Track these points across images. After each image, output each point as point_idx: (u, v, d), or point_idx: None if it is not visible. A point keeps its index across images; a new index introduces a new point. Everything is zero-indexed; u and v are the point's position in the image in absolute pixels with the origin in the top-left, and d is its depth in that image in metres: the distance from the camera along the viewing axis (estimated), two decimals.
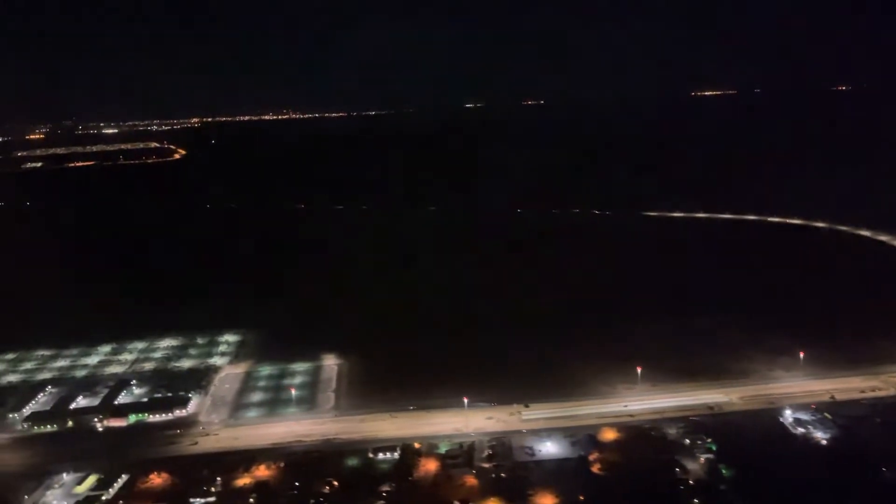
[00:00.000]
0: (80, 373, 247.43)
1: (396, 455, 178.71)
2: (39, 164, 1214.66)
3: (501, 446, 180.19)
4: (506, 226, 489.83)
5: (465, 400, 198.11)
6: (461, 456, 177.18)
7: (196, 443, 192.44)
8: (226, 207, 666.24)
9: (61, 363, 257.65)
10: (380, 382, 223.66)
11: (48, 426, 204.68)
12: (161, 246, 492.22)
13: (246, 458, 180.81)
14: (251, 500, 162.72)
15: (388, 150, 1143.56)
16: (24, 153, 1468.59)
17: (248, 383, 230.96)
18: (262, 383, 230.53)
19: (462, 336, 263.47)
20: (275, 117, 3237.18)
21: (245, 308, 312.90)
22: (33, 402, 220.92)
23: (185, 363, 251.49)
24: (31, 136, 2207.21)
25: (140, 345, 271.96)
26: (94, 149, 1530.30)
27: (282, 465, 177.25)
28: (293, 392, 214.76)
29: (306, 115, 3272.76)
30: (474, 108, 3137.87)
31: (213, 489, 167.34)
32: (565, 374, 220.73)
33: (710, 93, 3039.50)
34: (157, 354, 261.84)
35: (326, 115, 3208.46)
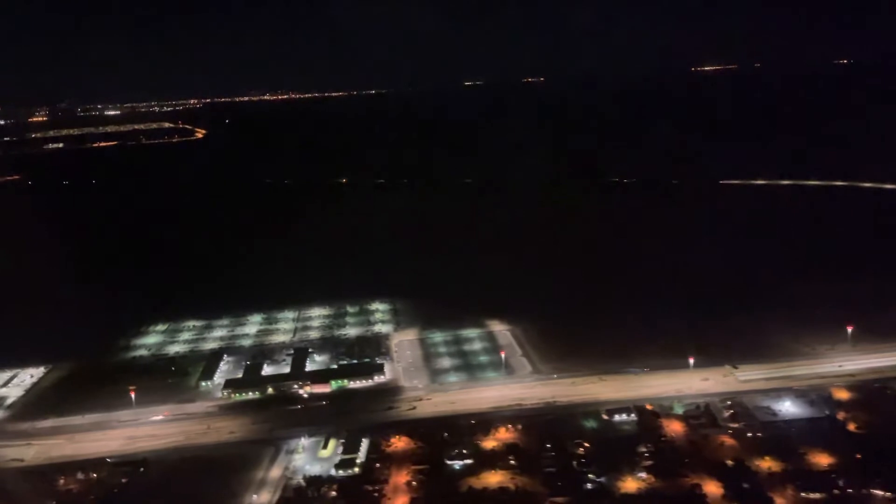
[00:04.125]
0: (245, 342, 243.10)
1: (632, 416, 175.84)
2: (61, 145, 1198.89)
3: (739, 406, 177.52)
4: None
5: (691, 360, 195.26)
6: (702, 416, 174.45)
7: (414, 407, 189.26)
8: (281, 183, 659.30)
9: (219, 333, 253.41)
10: (563, 347, 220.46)
11: (249, 393, 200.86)
12: (257, 219, 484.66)
13: (481, 421, 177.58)
14: (511, 460, 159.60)
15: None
16: (38, 135, 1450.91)
17: (428, 350, 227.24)
18: (441, 349, 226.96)
19: (630, 301, 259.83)
20: (274, 98, 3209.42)
21: (374, 276, 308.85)
22: (218, 371, 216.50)
23: (350, 331, 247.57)
24: (34, 119, 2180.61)
25: (290, 314, 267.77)
26: (109, 129, 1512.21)
27: (519, 427, 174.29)
28: (503, 356, 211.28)
29: (306, 95, 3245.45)
30: (473, 86, 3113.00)
31: (464, 451, 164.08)
32: (755, 336, 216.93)
33: (710, 68, 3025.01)
34: (315, 323, 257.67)
35: (327, 94, 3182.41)
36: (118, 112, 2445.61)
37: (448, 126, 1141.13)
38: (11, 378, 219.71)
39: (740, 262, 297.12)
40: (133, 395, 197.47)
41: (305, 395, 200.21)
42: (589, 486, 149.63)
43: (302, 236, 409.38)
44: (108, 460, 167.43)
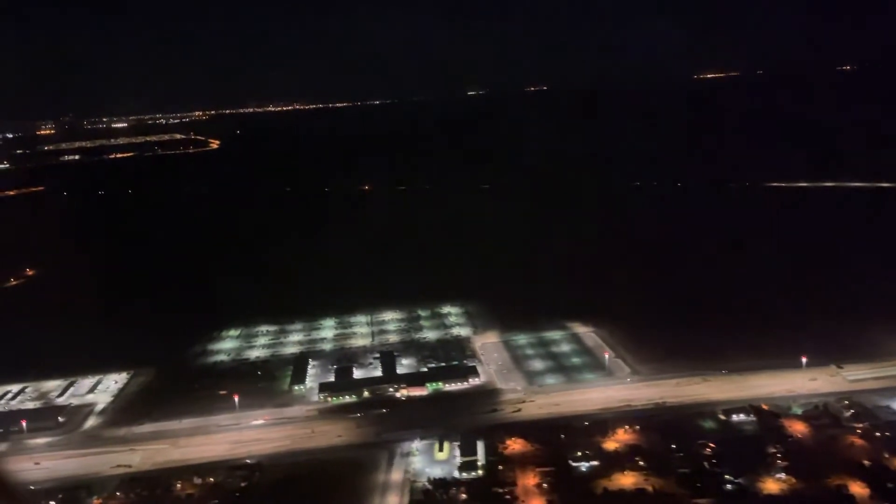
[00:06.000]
0: (326, 346, 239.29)
1: (748, 417, 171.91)
2: (77, 157, 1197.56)
3: (859, 406, 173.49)
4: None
5: (804, 359, 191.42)
6: (823, 417, 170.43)
7: (519, 409, 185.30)
8: (302, 191, 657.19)
9: (295, 337, 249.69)
10: (655, 348, 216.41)
11: (345, 397, 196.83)
12: (290, 226, 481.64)
13: (594, 422, 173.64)
14: (639, 462, 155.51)
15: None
16: (51, 147, 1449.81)
17: (514, 352, 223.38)
18: (529, 352, 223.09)
19: (712, 301, 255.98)
20: (279, 108, 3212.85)
21: (429, 280, 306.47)
22: (308, 375, 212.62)
23: (428, 335, 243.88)
24: (41, 132, 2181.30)
25: (362, 318, 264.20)
26: (121, 141, 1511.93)
27: (637, 428, 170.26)
28: (607, 356, 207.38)
29: (310, 106, 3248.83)
30: (476, 95, 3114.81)
31: (587, 452, 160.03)
32: (853, 335, 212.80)
33: (712, 75, 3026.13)
34: (390, 327, 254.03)
35: (331, 105, 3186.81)
36: (125, 124, 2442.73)
37: (471, 132, 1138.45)
38: (96, 384, 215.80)
39: (820, 261, 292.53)
40: (236, 399, 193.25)
41: (402, 398, 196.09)
42: (729, 487, 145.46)
43: (341, 242, 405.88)
44: (248, 461, 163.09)
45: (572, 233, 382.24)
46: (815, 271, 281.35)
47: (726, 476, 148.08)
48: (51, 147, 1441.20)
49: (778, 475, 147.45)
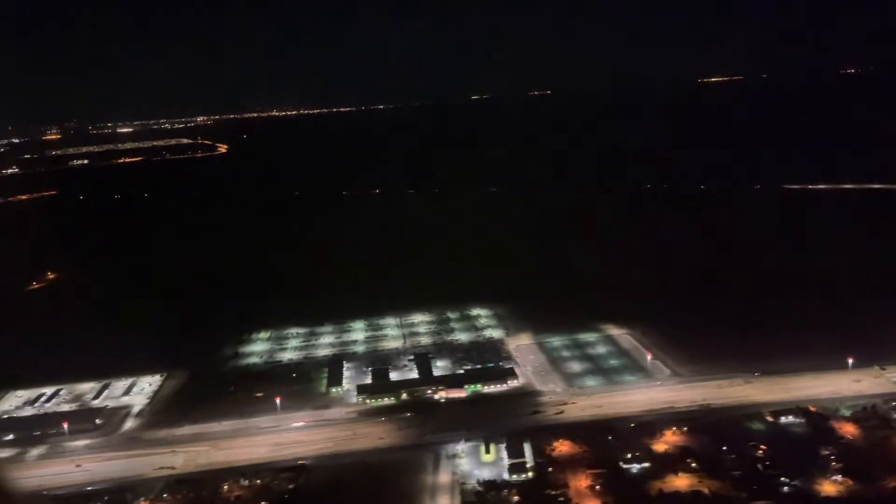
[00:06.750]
0: (358, 349, 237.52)
1: (797, 419, 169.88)
2: (86, 162, 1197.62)
3: None
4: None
5: (850, 360, 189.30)
6: (873, 418, 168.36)
7: (562, 411, 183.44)
8: (312, 194, 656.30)
9: (327, 340, 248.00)
10: (692, 349, 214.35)
11: (384, 399, 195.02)
12: (305, 228, 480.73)
13: (640, 424, 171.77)
14: (691, 463, 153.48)
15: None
16: (58, 152, 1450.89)
17: (550, 354, 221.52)
18: (564, 354, 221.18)
19: (742, 303, 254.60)
20: (283, 113, 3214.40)
21: (454, 281, 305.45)
22: (343, 377, 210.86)
23: (460, 337, 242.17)
24: (47, 137, 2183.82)
25: (391, 320, 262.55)
26: (129, 146, 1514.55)
27: (685, 429, 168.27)
28: (648, 358, 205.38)
29: (314, 111, 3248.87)
30: (480, 99, 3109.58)
31: (637, 454, 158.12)
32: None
33: (716, 79, 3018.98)
34: (420, 329, 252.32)
35: (334, 110, 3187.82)
36: (130, 129, 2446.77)
37: (476, 135, 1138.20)
38: (130, 387, 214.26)
39: (851, 262, 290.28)
40: (278, 401, 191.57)
41: (441, 401, 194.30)
42: (785, 489, 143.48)
43: (358, 244, 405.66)
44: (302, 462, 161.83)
45: (591, 235, 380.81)
46: (846, 271, 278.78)
47: (782, 478, 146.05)
48: (58, 152, 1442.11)
49: (834, 477, 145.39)
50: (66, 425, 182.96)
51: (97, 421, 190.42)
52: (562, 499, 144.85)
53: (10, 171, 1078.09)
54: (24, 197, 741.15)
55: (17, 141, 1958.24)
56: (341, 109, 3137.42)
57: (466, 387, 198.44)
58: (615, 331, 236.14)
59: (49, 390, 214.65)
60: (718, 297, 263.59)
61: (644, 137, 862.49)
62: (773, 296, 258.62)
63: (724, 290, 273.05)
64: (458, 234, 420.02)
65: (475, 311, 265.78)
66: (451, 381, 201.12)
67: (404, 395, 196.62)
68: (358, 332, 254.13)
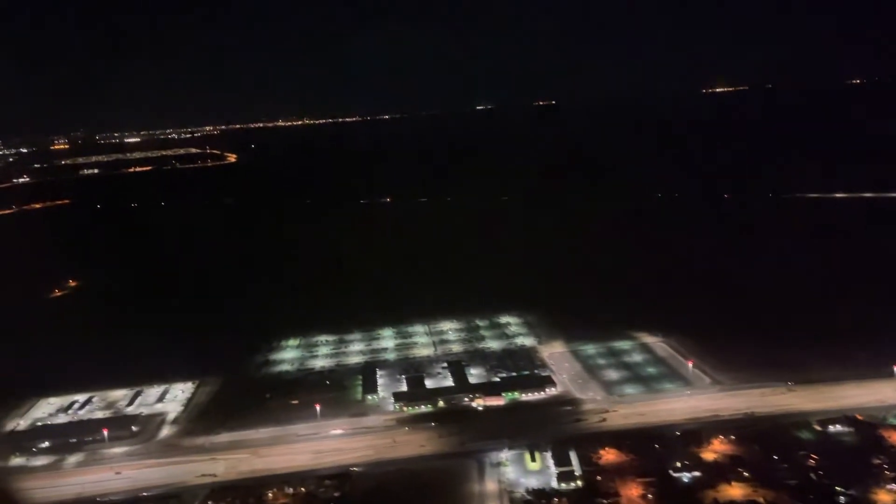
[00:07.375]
0: (389, 356, 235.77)
1: (845, 428, 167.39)
2: (96, 171, 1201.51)
3: None
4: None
5: (895, 368, 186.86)
6: None
7: (604, 419, 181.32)
8: (324, 203, 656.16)
9: (357, 347, 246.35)
10: (732, 357, 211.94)
11: (421, 406, 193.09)
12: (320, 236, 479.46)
13: (686, 432, 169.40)
14: (744, 472, 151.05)
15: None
16: (68, 161, 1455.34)
17: (586, 362, 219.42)
18: (600, 361, 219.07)
19: (781, 311, 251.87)
20: (288, 123, 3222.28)
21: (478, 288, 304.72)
22: (378, 385, 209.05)
23: (491, 344, 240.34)
24: (55, 146, 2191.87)
25: (419, 328, 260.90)
26: (137, 155, 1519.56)
27: (733, 438, 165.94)
28: (690, 365, 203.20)
29: (319, 121, 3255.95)
30: (485, 109, 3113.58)
31: (687, 462, 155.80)
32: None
33: (721, 89, 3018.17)
34: (450, 337, 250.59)
35: (340, 120, 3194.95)
36: (138, 139, 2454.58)
37: (483, 145, 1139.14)
38: (164, 394, 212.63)
39: (878, 270, 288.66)
40: (318, 408, 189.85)
41: (480, 408, 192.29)
42: (842, 499, 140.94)
43: (376, 252, 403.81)
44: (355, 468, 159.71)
45: (608, 242, 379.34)
46: (881, 281, 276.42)
47: (837, 488, 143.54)
48: (67, 161, 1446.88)
49: (889, 486, 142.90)
50: (105, 432, 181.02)
51: (133, 428, 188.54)
52: None
53: (21, 180, 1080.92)
54: (37, 205, 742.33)
55: (25, 150, 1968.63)
56: (347, 119, 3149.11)
57: (504, 394, 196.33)
58: (649, 339, 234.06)
59: (81, 398, 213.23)
60: (749, 306, 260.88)
61: (657, 145, 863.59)
62: (804, 304, 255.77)
63: (754, 298, 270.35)
64: (477, 241, 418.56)
65: (504, 319, 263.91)
66: (488, 389, 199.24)
67: (441, 403, 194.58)
68: (387, 339, 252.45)
